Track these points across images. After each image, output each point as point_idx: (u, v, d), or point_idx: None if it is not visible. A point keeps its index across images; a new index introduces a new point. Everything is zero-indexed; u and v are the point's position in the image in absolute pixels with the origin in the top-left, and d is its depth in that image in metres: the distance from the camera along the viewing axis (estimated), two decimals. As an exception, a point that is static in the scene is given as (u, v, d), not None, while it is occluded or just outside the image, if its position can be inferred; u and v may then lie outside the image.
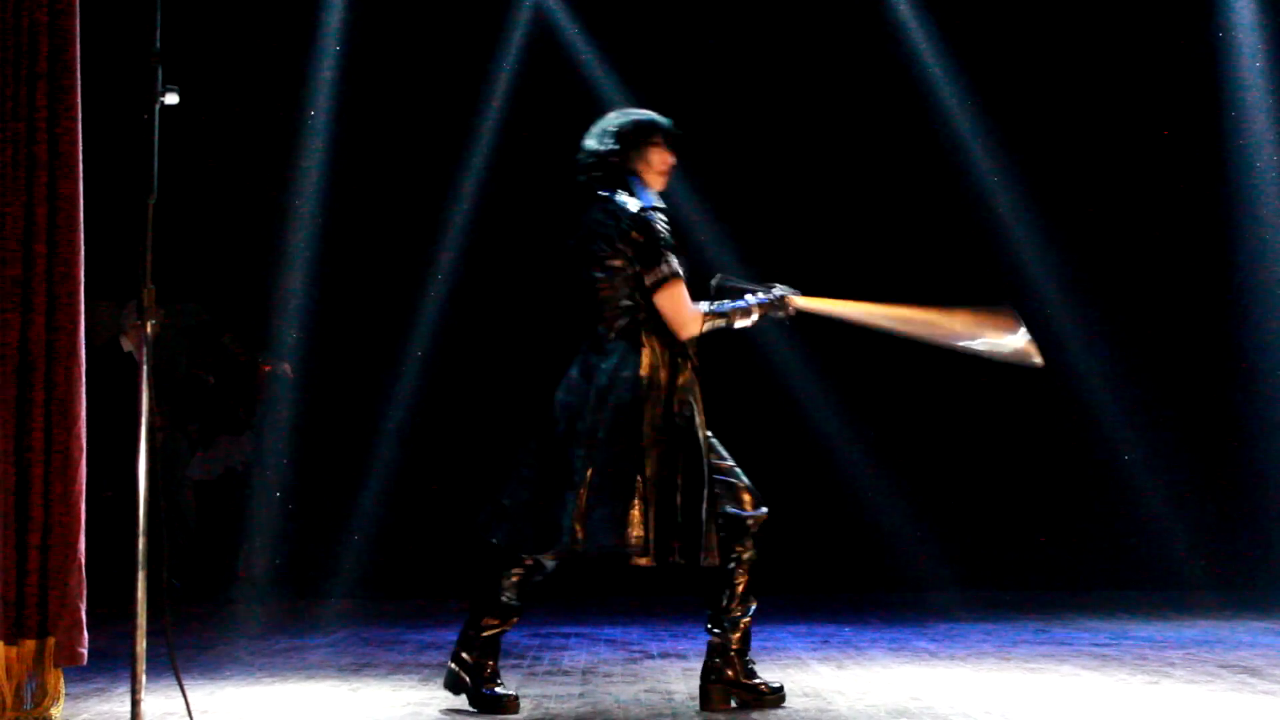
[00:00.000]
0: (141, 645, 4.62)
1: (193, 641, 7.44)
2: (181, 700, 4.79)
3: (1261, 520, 10.23)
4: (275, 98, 10.29)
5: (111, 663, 6.01)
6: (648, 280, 5.31)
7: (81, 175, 5.11)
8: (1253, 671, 6.22)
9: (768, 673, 6.28)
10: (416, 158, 10.38)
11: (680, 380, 5.33)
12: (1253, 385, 10.34)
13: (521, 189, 10.37)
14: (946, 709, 5.29)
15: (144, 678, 4.65)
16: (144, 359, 4.64)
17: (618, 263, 5.35)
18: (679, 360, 5.34)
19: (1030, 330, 5.49)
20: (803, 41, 10.38)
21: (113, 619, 5.67)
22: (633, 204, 5.37)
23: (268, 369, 10.25)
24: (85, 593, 5.05)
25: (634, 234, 5.31)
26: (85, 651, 5.06)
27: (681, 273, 5.33)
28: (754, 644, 5.47)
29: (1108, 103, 10.47)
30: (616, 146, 5.44)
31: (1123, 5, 10.39)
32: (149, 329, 4.65)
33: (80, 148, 5.11)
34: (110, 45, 6.73)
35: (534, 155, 10.35)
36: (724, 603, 5.39)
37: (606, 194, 5.42)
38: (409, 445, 10.30)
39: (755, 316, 5.46)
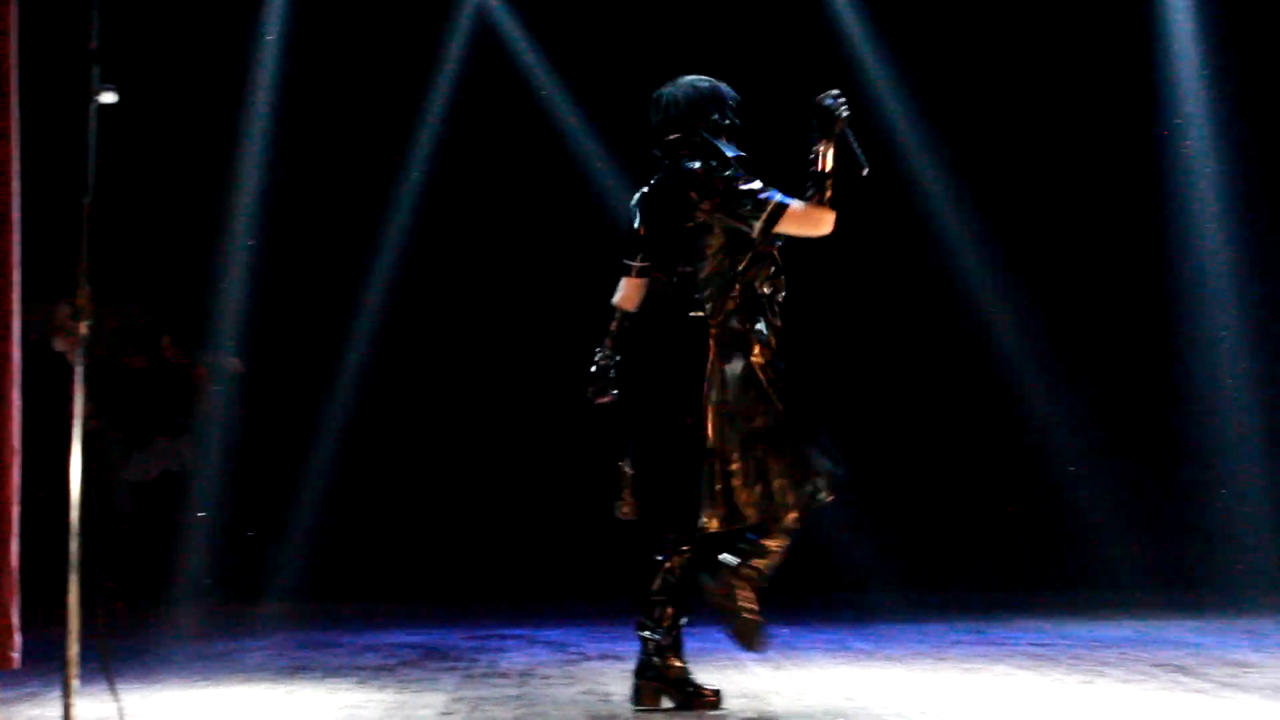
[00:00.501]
0: (74, 649, 4.57)
1: (127, 645, 7.38)
2: (114, 705, 4.75)
3: (1194, 522, 10.35)
4: (216, 96, 10.23)
5: (44, 666, 5.96)
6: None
7: (17, 179, 5.05)
8: (1184, 670, 6.28)
9: (705, 674, 6.29)
10: (358, 157, 10.34)
11: None
12: (1187, 389, 10.45)
13: (464, 189, 10.36)
14: (882, 709, 5.31)
15: (76, 682, 4.60)
16: (77, 360, 4.60)
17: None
18: None
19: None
20: (744, 42, 10.40)
21: (45, 622, 5.62)
22: None
23: (204, 372, 10.18)
24: (17, 596, 5.00)
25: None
26: (18, 655, 5.01)
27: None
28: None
29: (1045, 109, 10.55)
30: None
31: (1061, 13, 10.46)
32: (83, 330, 4.61)
33: (16, 152, 5.05)
34: (48, 43, 6.67)
35: (477, 154, 10.36)
36: (657, 603, 5.35)
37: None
38: (348, 448, 10.25)
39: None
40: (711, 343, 5.30)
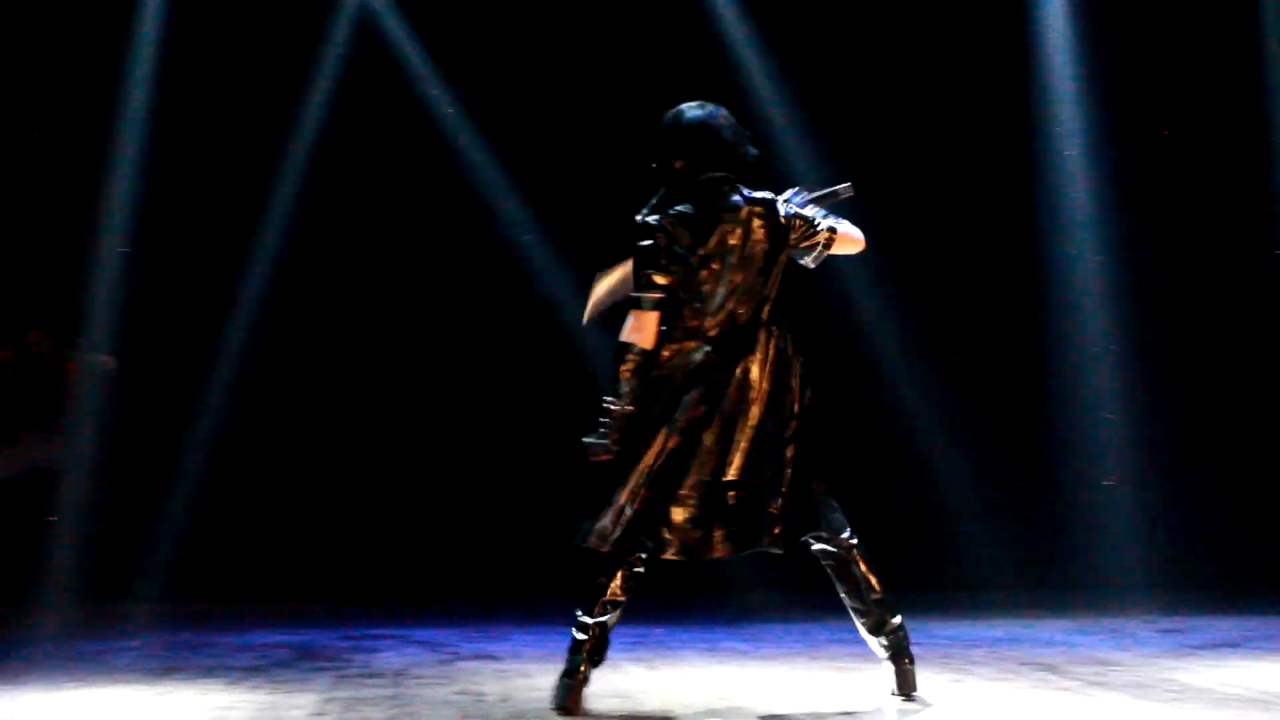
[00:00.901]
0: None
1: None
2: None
3: (1063, 522, 10.51)
4: (90, 86, 10.07)
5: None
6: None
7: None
8: (1052, 669, 6.38)
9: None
10: (236, 152, 10.21)
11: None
12: (1056, 389, 10.61)
13: (344, 187, 10.27)
14: (755, 708, 5.34)
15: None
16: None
17: None
18: None
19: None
20: (626, 41, 10.42)
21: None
22: None
23: (74, 366, 10.02)
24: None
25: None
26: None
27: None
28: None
29: (917, 111, 10.65)
30: None
31: (934, 19, 10.57)
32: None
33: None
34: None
35: (356, 152, 10.28)
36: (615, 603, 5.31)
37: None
38: (220, 446, 10.13)
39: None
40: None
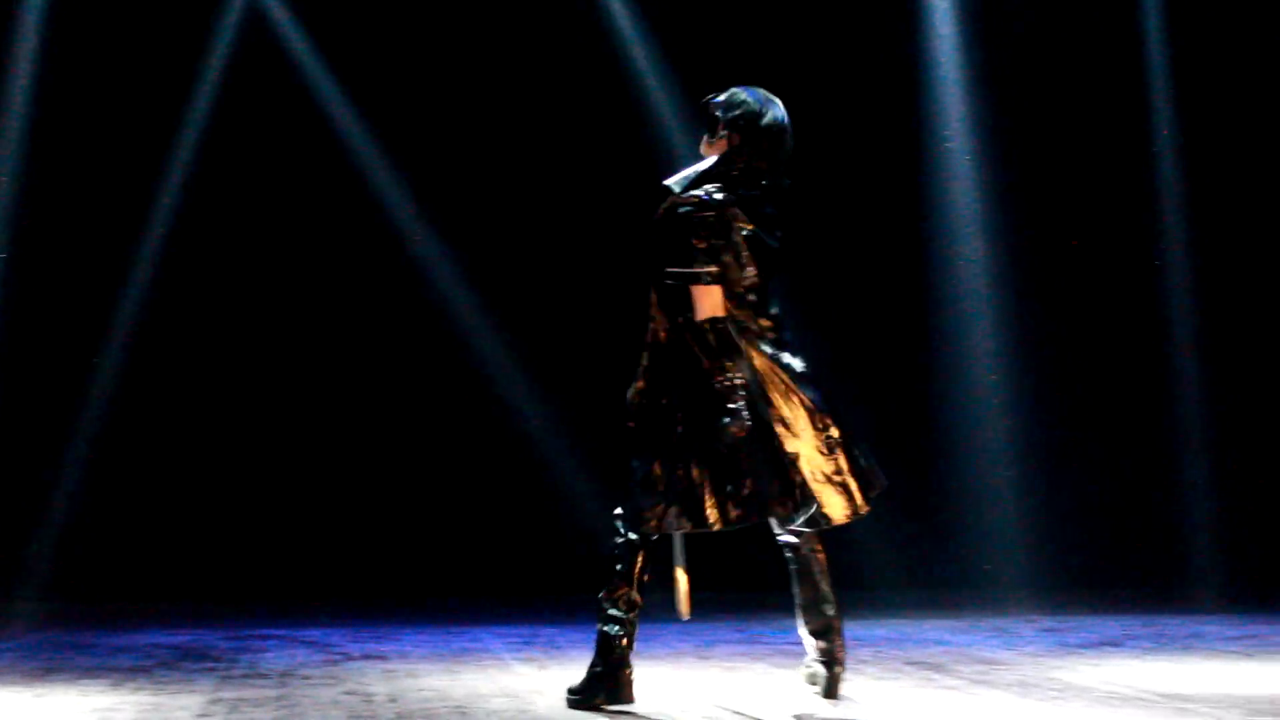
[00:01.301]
0: None
1: None
2: None
3: (948, 521, 10.62)
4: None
5: None
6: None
7: None
8: (937, 668, 6.46)
9: (469, 673, 6.29)
10: (119, 147, 10.06)
11: None
12: (942, 390, 10.71)
13: (228, 181, 10.15)
14: (643, 708, 5.35)
15: None
16: None
17: None
18: None
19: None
20: (512, 39, 10.39)
21: None
22: None
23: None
24: None
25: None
26: None
27: None
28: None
29: (803, 106, 10.69)
30: None
31: (820, 15, 10.62)
32: None
33: None
34: None
35: (241, 146, 10.17)
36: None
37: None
38: (102, 444, 9.98)
39: None
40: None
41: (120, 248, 10.05)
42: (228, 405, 10.16)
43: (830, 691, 5.40)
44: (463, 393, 10.34)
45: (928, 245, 10.76)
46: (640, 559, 5.33)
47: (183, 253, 10.11)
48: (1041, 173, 10.72)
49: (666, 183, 5.33)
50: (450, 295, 10.32)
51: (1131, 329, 10.70)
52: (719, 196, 5.23)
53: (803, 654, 5.43)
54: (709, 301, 5.17)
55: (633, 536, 5.32)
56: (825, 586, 5.42)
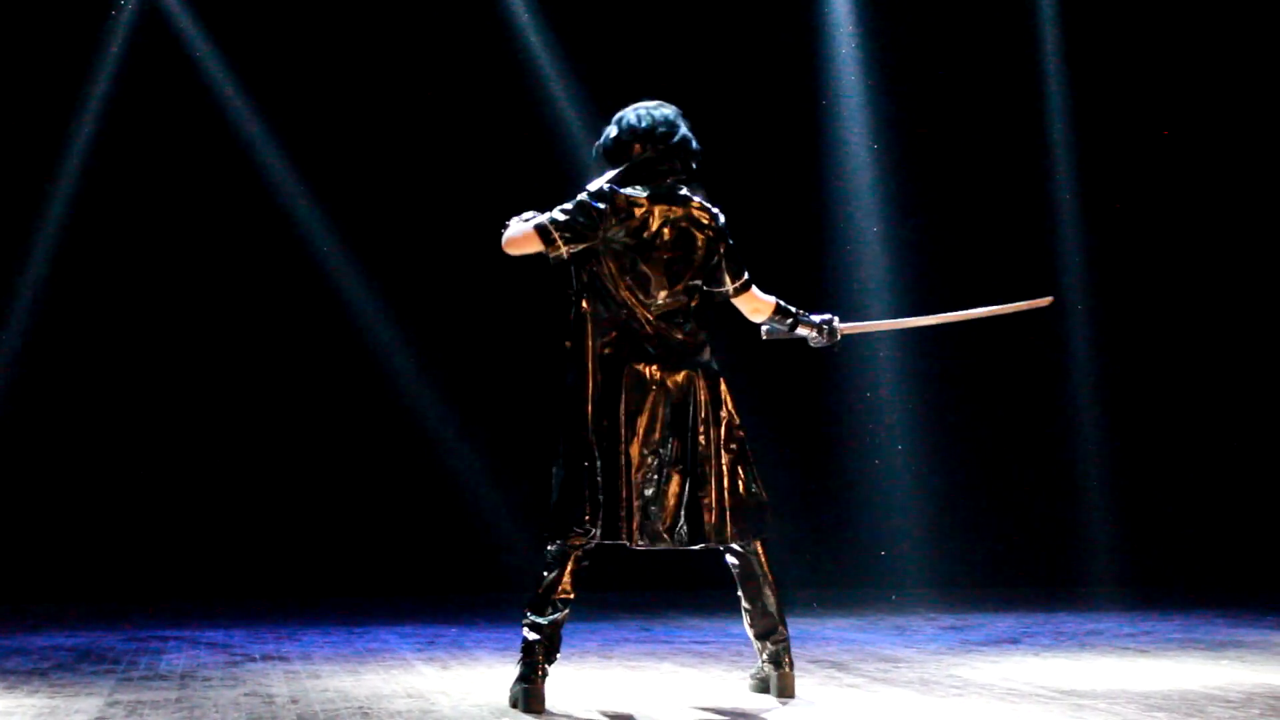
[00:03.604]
0: None
1: None
2: None
3: (847, 520, 10.70)
4: None
5: None
6: (742, 278, 5.69)
7: None
8: (839, 665, 6.50)
9: (372, 674, 6.26)
10: (12, 141, 9.92)
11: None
12: (839, 386, 10.78)
13: (120, 176, 10.02)
14: (547, 708, 5.35)
15: None
16: None
17: (712, 263, 5.54)
18: None
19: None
20: (413, 37, 10.36)
21: None
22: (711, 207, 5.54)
23: None
24: None
25: (729, 238, 5.56)
26: None
27: None
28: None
29: (706, 102, 10.74)
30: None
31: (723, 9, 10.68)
32: None
33: None
34: None
35: (136, 142, 10.05)
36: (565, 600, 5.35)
37: (688, 193, 5.49)
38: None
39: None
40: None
41: (13, 243, 9.90)
42: (123, 404, 10.04)
43: (785, 690, 5.50)
44: (363, 392, 10.29)
45: (826, 242, 10.84)
46: (565, 568, 5.33)
47: (75, 251, 9.96)
48: (938, 166, 10.88)
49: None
50: (348, 293, 10.26)
51: (1029, 330, 10.81)
52: (609, 187, 5.40)
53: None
54: (522, 234, 5.43)
55: (556, 546, 5.33)
56: (768, 588, 5.59)
